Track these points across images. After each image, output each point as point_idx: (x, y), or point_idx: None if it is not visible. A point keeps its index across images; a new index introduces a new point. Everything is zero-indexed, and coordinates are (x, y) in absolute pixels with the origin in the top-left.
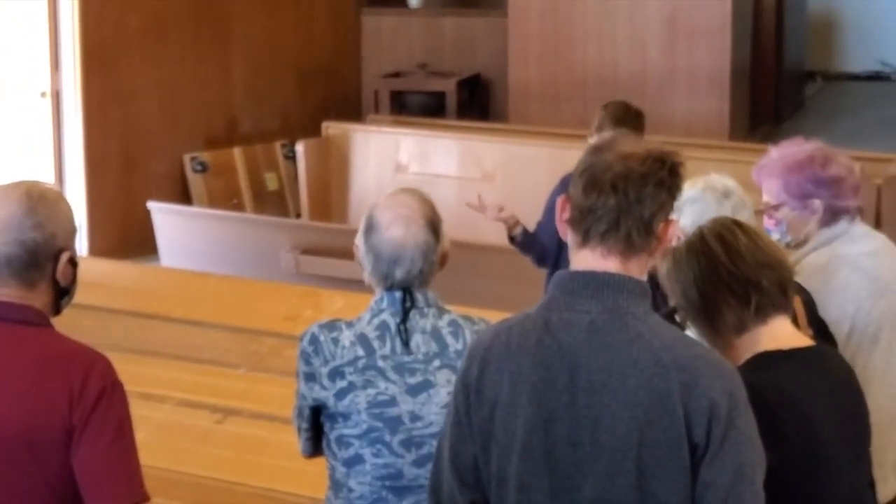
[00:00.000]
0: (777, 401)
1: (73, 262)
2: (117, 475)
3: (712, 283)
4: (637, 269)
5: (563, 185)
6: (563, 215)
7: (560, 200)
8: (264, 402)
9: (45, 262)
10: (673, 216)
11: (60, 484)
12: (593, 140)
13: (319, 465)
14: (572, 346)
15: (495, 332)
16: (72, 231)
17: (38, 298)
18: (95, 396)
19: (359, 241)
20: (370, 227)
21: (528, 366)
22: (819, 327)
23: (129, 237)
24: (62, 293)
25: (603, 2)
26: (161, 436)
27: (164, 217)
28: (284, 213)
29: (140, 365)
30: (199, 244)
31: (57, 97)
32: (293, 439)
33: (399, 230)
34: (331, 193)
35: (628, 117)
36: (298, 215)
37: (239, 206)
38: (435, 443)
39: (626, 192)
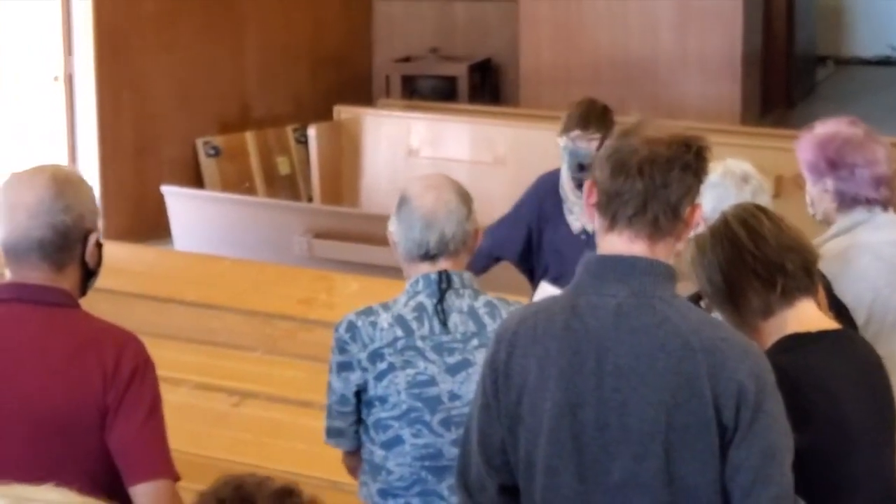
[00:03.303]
0: (806, 382)
1: (98, 244)
2: (152, 452)
3: (737, 267)
4: (664, 253)
5: (539, 185)
6: (589, 199)
7: (587, 185)
8: (280, 385)
9: (74, 244)
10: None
11: (93, 462)
12: (561, 141)
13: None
14: (599, 330)
15: (522, 316)
16: (97, 212)
17: (67, 280)
18: (129, 376)
19: (390, 222)
20: (402, 202)
21: (555, 350)
22: (839, 310)
23: (142, 221)
24: (89, 275)
25: None
26: (178, 418)
27: (178, 201)
28: (296, 198)
29: (155, 348)
30: (212, 228)
31: (70, 81)
32: (311, 423)
33: (431, 196)
34: (342, 177)
35: (593, 114)
36: (310, 199)
37: (251, 191)
38: None
39: (652, 176)
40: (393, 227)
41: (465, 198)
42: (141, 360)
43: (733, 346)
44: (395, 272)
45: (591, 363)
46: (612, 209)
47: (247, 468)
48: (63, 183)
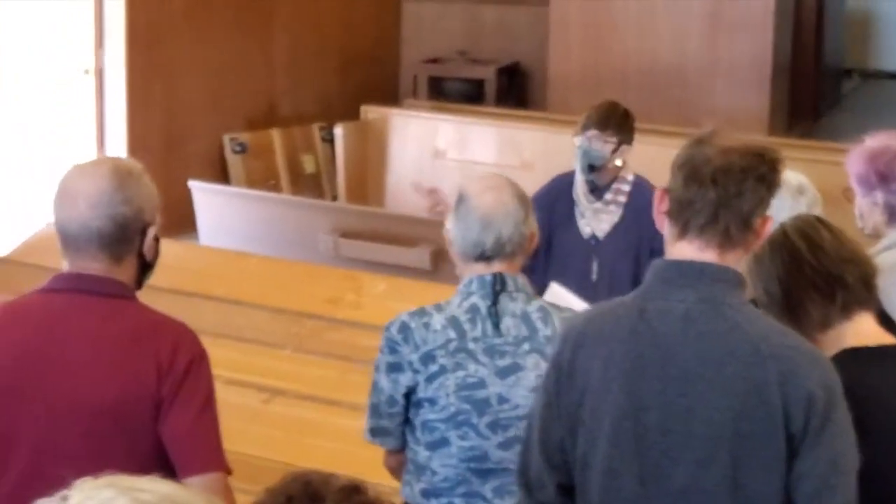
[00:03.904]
0: (864, 396)
1: (156, 238)
2: (206, 445)
3: (796, 279)
4: (733, 263)
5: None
6: (660, 207)
7: (658, 192)
8: (310, 384)
9: (133, 236)
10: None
11: (147, 453)
12: (577, 140)
13: (368, 447)
14: (667, 335)
15: (589, 317)
16: (156, 206)
17: (125, 272)
18: (184, 368)
19: (448, 220)
20: (460, 200)
21: (620, 352)
22: (888, 325)
23: (167, 215)
24: (145, 268)
25: None
26: None
27: (205, 196)
28: (320, 196)
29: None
30: (238, 224)
31: (100, 74)
32: (340, 421)
33: (490, 197)
34: (368, 177)
35: (613, 117)
36: (335, 198)
37: (276, 188)
38: (521, 426)
39: (726, 186)
40: (450, 226)
41: (523, 200)
42: (196, 353)
43: (803, 354)
44: (420, 273)
45: (657, 367)
46: (683, 217)
47: (277, 465)
48: (124, 175)
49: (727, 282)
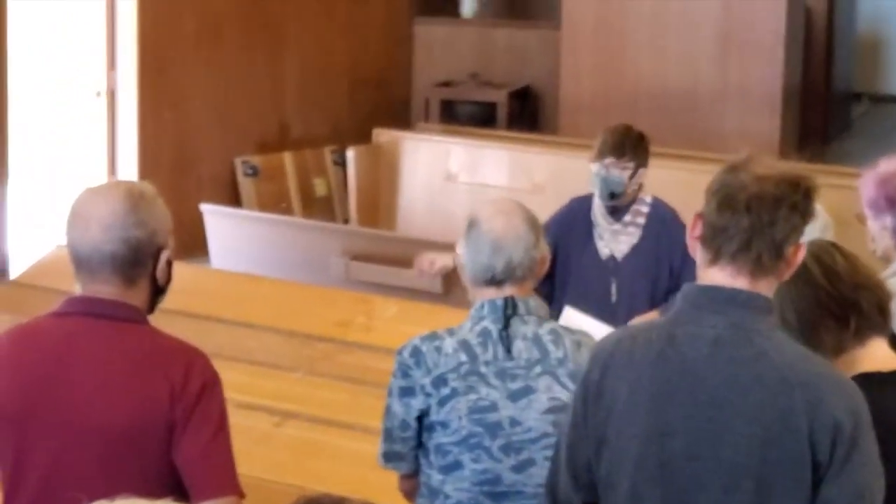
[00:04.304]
0: (879, 422)
1: (169, 262)
2: (220, 469)
3: (811, 305)
4: (765, 290)
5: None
6: (693, 232)
7: (693, 218)
8: (321, 407)
9: (146, 259)
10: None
11: (160, 477)
12: (594, 167)
13: (381, 470)
14: (695, 360)
15: (619, 339)
16: (170, 229)
17: (137, 296)
18: (197, 391)
19: (459, 245)
20: (471, 225)
21: (647, 376)
22: None
23: (179, 238)
24: (158, 291)
25: (657, 16)
26: None
27: (217, 219)
28: (332, 219)
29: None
30: (250, 247)
31: (112, 97)
32: (351, 444)
33: (500, 222)
34: (380, 200)
35: (628, 142)
36: (346, 221)
37: (287, 211)
38: (534, 448)
39: (759, 214)
40: (461, 250)
41: (533, 224)
42: (209, 377)
43: (831, 382)
44: (431, 296)
45: (684, 392)
46: (716, 244)
47: (289, 489)
48: (138, 198)
49: (757, 308)
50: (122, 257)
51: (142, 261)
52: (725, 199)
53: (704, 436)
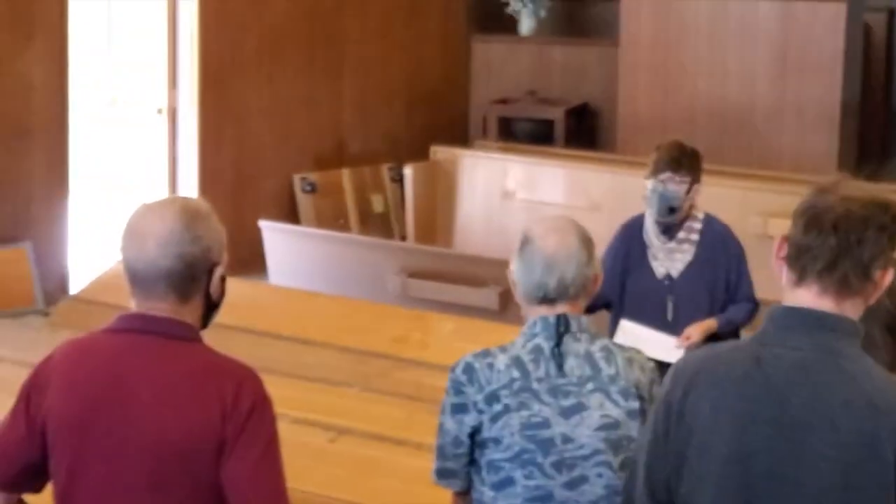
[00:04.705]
0: None
1: (223, 277)
2: (266, 489)
3: (868, 320)
4: (851, 312)
5: (625, 231)
6: (779, 253)
7: (779, 239)
8: (376, 423)
9: (201, 275)
10: None
11: (209, 495)
12: (650, 184)
13: (435, 487)
14: (781, 382)
15: (704, 358)
16: (224, 246)
17: (191, 313)
18: (248, 410)
19: (512, 261)
20: (524, 242)
21: (732, 396)
22: None
23: (238, 254)
24: (211, 307)
25: (714, 34)
26: None
27: (275, 235)
28: (389, 236)
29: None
30: (307, 264)
31: (173, 114)
32: (406, 461)
33: (553, 239)
34: (437, 218)
35: (684, 157)
36: (403, 238)
37: (345, 227)
38: (586, 465)
39: (846, 233)
40: (514, 267)
41: (586, 242)
42: (259, 397)
43: None
44: (489, 314)
45: (769, 413)
46: (801, 263)
47: None
48: (193, 214)
49: (844, 332)
50: (178, 273)
51: (197, 277)
52: (812, 218)
53: (788, 458)
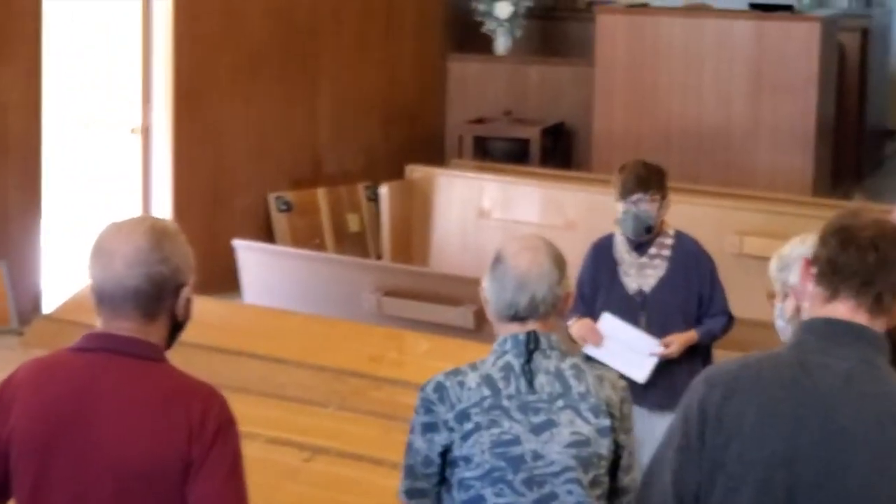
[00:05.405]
0: None
1: (188, 299)
2: None
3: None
4: (880, 329)
5: (595, 250)
6: (807, 271)
7: (803, 262)
8: (352, 442)
9: (167, 295)
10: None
11: None
12: (622, 206)
13: None
14: (830, 390)
15: (743, 363)
16: (191, 266)
17: (156, 332)
18: (214, 432)
19: (484, 278)
20: (497, 260)
21: (781, 400)
22: None
23: (212, 273)
24: (176, 328)
25: (689, 54)
26: (250, 472)
27: (249, 255)
28: (365, 255)
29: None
30: (282, 283)
31: (147, 133)
32: (381, 480)
33: (525, 258)
34: (413, 236)
35: (652, 176)
36: (379, 257)
37: (320, 247)
38: (556, 482)
39: (886, 251)
40: (486, 285)
41: (558, 261)
42: (225, 418)
43: None
44: (463, 332)
45: (817, 420)
46: (836, 280)
47: None
48: (161, 234)
49: (880, 347)
50: (145, 293)
51: (163, 297)
52: (850, 237)
53: (834, 466)
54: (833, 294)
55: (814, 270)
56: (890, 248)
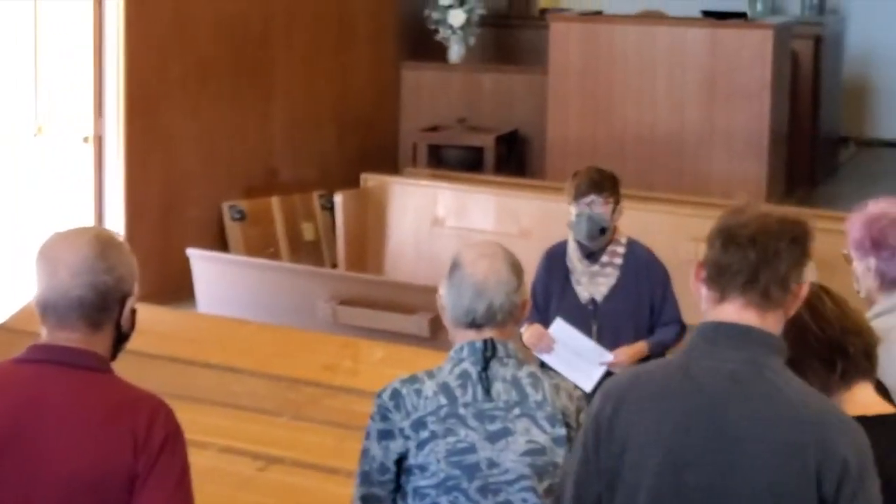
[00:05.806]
0: None
1: (133, 309)
2: None
3: (800, 348)
4: (773, 325)
5: (548, 257)
6: (698, 275)
7: (696, 266)
8: (306, 451)
9: (112, 305)
10: None
11: None
12: (575, 209)
13: None
14: (714, 393)
15: (635, 374)
16: (136, 277)
17: (101, 343)
18: (160, 443)
19: (441, 285)
20: (454, 267)
21: (666, 408)
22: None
23: (166, 283)
24: (121, 338)
25: (643, 61)
26: (204, 482)
27: (203, 264)
28: (320, 264)
29: (179, 410)
30: (236, 292)
31: (99, 142)
32: (337, 489)
33: (483, 265)
34: (367, 245)
35: (605, 180)
36: (334, 266)
37: (275, 255)
38: (511, 490)
39: (765, 246)
40: (443, 292)
41: (516, 269)
42: (172, 429)
43: (840, 421)
44: (418, 340)
45: (703, 424)
46: (723, 280)
47: None
48: (106, 244)
49: (769, 346)
50: (90, 302)
51: (108, 307)
52: (730, 237)
53: (720, 468)
54: (722, 296)
55: (703, 274)
56: (771, 241)
